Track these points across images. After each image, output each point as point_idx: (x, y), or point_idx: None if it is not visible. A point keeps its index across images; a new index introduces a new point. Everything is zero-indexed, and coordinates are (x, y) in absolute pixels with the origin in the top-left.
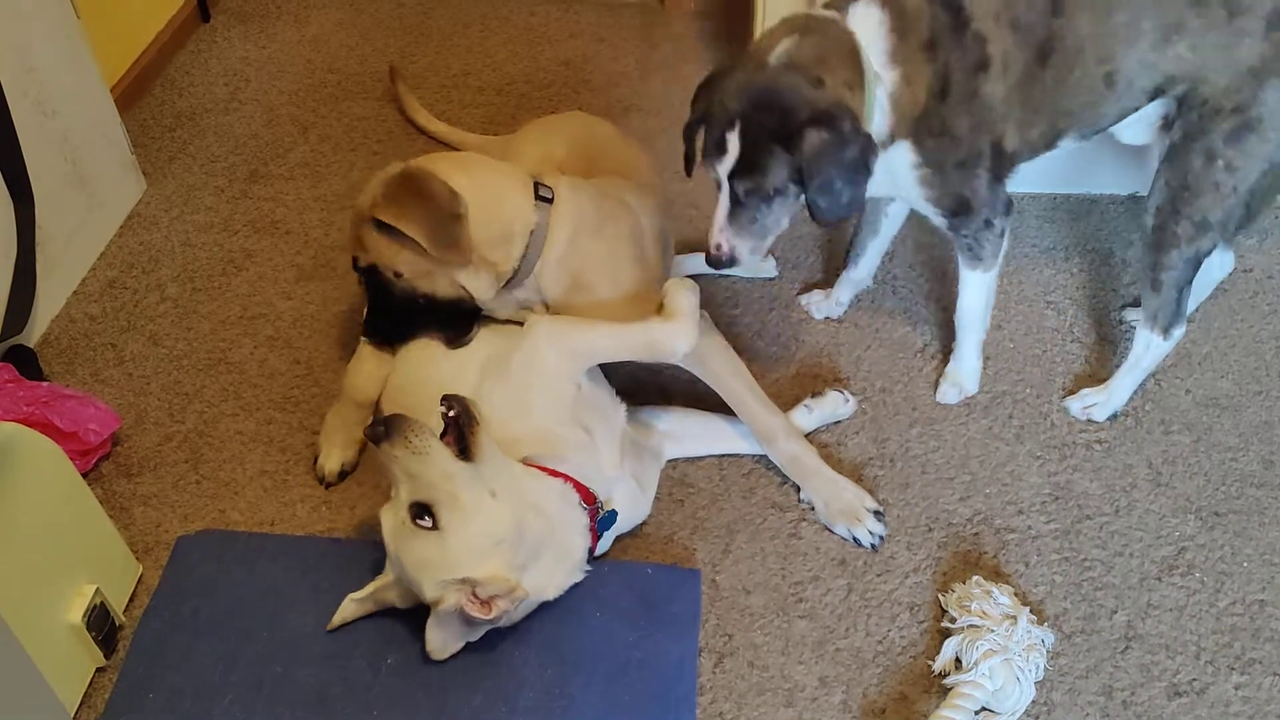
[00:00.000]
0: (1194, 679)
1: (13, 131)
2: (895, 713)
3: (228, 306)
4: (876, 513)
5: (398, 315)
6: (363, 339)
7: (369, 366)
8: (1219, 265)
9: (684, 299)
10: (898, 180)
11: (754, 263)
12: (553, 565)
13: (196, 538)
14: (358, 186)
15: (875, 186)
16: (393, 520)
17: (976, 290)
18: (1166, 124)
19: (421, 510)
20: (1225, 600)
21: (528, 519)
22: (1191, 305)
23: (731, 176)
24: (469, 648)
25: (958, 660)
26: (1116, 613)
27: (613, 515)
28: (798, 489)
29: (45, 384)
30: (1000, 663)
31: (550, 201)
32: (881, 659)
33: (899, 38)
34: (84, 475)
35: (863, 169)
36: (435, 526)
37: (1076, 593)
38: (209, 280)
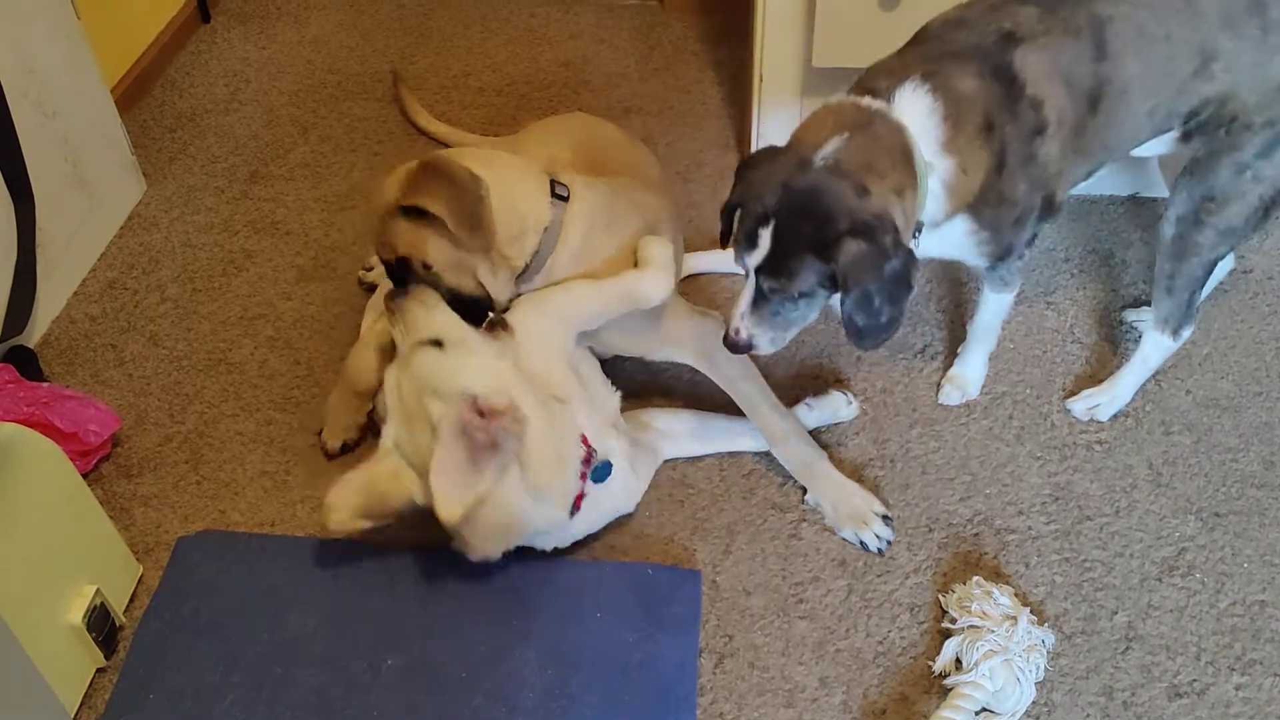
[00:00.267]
0: (1194, 680)
1: (13, 132)
2: (896, 713)
3: (228, 307)
4: (884, 517)
5: None
6: (364, 329)
7: (369, 357)
8: (1221, 264)
9: (656, 250)
10: (951, 246)
11: (771, 350)
12: (545, 465)
13: (197, 538)
14: (358, 187)
15: (925, 251)
16: (395, 377)
17: (998, 308)
18: (1185, 136)
19: (434, 342)
20: (1226, 601)
21: (530, 392)
22: None
23: (759, 270)
24: (469, 648)
25: (958, 661)
26: (1117, 613)
27: (607, 466)
28: (802, 490)
29: (45, 385)
30: (1001, 663)
31: (565, 199)
32: (882, 660)
33: (953, 126)
34: (84, 476)
35: (904, 285)
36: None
37: (1077, 593)
38: (209, 281)
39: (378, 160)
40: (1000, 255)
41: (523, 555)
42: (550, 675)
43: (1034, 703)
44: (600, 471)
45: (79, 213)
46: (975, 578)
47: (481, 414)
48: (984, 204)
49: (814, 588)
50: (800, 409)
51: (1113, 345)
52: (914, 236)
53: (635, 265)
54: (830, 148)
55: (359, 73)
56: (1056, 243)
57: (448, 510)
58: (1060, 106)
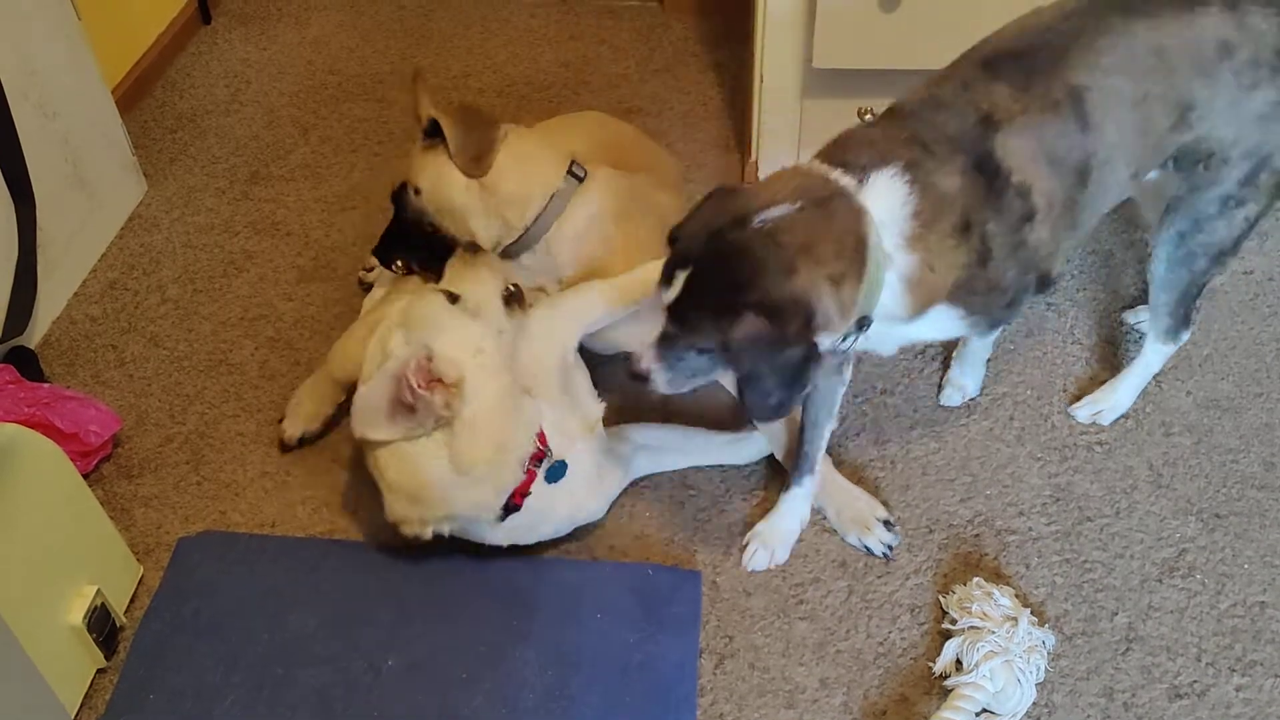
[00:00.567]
0: (1195, 681)
1: (14, 133)
2: (896, 714)
3: (228, 308)
4: (887, 522)
5: (405, 239)
6: (356, 323)
7: (356, 348)
8: None
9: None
10: (940, 331)
11: (669, 391)
12: (476, 446)
13: (197, 539)
14: (359, 188)
15: (911, 337)
16: (403, 300)
17: (986, 343)
18: (1161, 169)
19: (451, 296)
20: (1226, 602)
21: (498, 375)
22: None
23: (667, 310)
24: (470, 648)
25: (958, 662)
26: (1117, 614)
27: (562, 466)
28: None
29: (46, 385)
30: (1001, 664)
31: (581, 180)
32: (882, 660)
33: (923, 224)
34: (85, 476)
35: (798, 379)
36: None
37: (1077, 594)
38: (210, 282)
39: (378, 161)
40: (993, 327)
41: (521, 554)
42: (550, 676)
43: (1034, 704)
44: (554, 472)
45: (80, 213)
46: (976, 579)
47: (427, 376)
48: (969, 294)
49: (814, 589)
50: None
51: (1113, 346)
52: (857, 330)
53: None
54: (775, 212)
55: (359, 74)
56: None
57: (355, 428)
58: (1049, 189)
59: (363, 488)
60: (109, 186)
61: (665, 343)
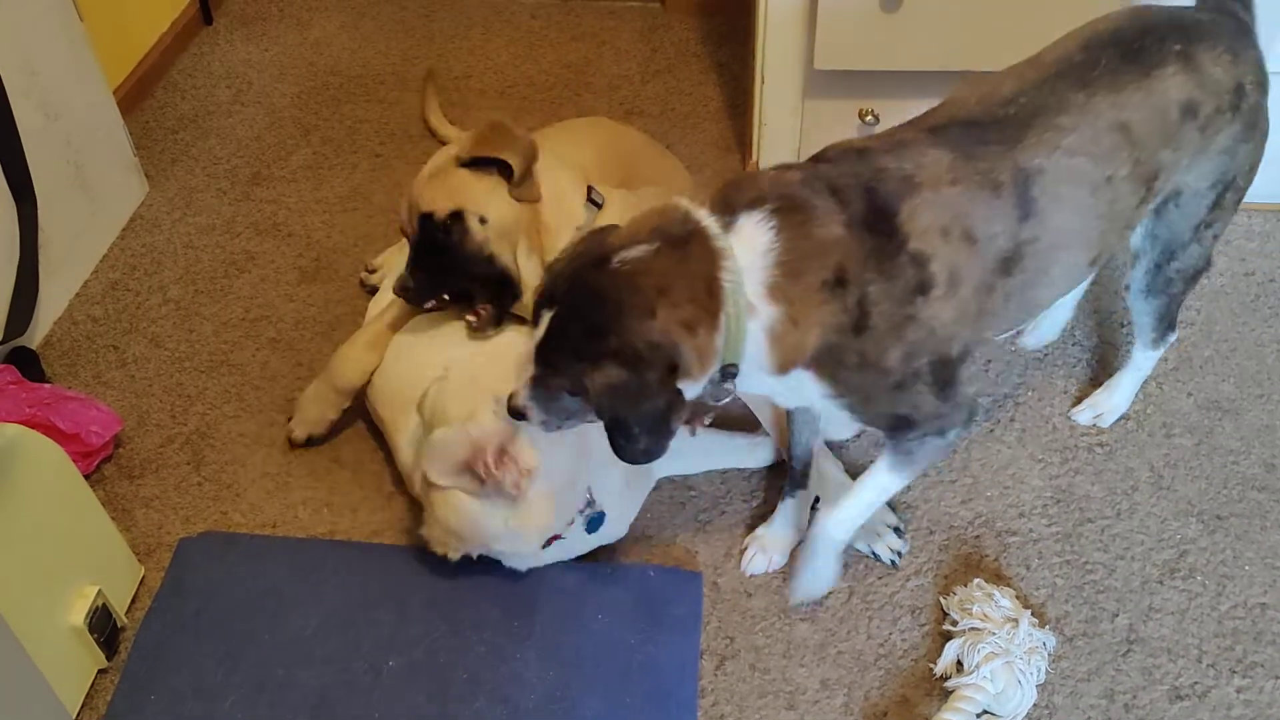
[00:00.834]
0: (1196, 682)
1: (15, 133)
2: (897, 715)
3: (230, 308)
4: (897, 529)
5: (447, 273)
6: (364, 326)
7: (359, 356)
8: None
9: None
10: (810, 402)
11: (545, 431)
12: (535, 515)
13: (198, 540)
14: (360, 189)
15: (786, 399)
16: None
17: (882, 491)
18: None
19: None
20: (1227, 604)
21: (564, 445)
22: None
23: (535, 350)
24: (470, 649)
25: (959, 663)
26: (1118, 616)
27: (601, 517)
28: (815, 500)
29: (48, 386)
30: (1002, 666)
31: (599, 208)
32: (883, 662)
33: (787, 273)
34: (86, 477)
35: (662, 427)
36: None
37: (1078, 596)
38: (211, 282)
39: (379, 162)
40: (890, 425)
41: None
42: (551, 677)
43: (1035, 705)
44: (594, 523)
45: (81, 214)
46: (976, 580)
47: (503, 455)
48: (837, 365)
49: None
50: None
51: (1114, 347)
52: (723, 379)
53: None
54: (632, 253)
55: (361, 75)
56: None
57: (424, 466)
58: (953, 265)
59: (363, 489)
60: (110, 187)
61: (536, 383)
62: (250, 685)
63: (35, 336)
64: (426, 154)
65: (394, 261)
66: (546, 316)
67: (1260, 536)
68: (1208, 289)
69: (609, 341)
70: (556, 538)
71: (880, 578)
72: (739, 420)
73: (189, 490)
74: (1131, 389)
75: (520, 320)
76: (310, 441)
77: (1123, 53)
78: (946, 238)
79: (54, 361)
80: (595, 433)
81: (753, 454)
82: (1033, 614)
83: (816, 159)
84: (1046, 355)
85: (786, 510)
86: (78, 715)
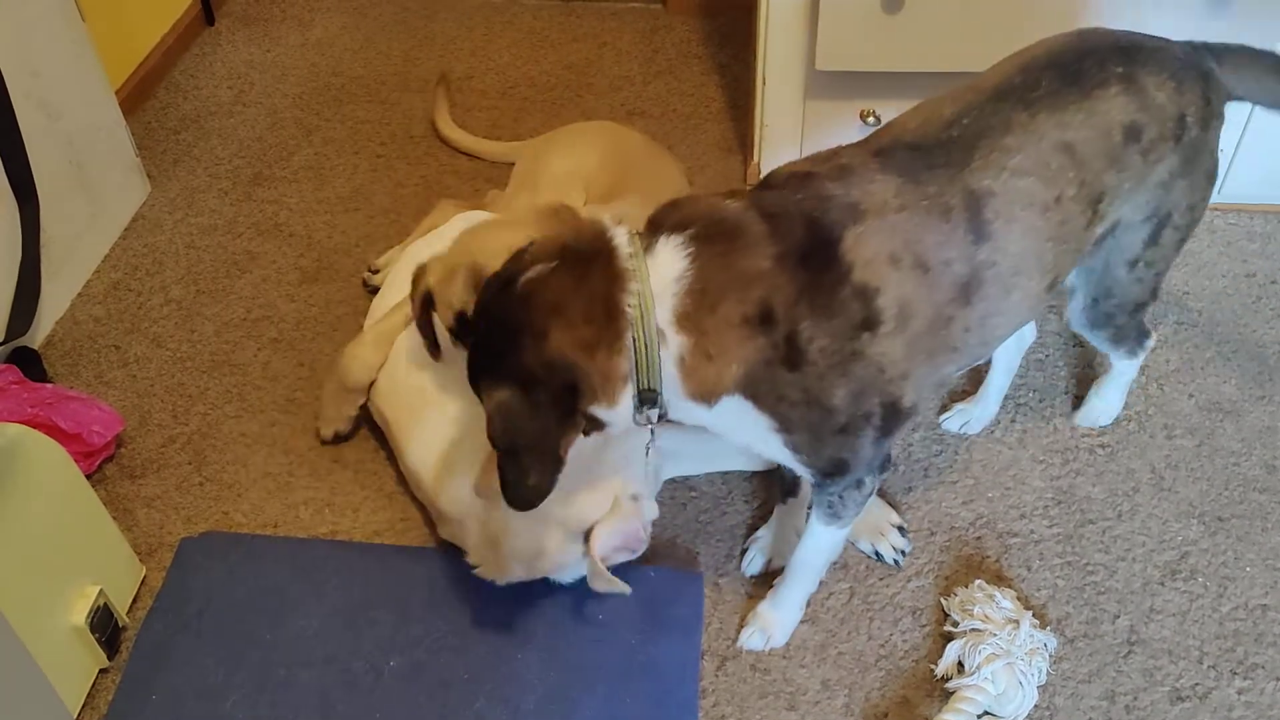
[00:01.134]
0: (1196, 684)
1: (18, 134)
2: (897, 716)
3: (231, 309)
4: (900, 528)
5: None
6: (367, 328)
7: (365, 355)
8: None
9: None
10: (748, 437)
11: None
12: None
13: (200, 540)
14: (361, 189)
15: (728, 433)
16: None
17: (826, 545)
18: None
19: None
20: (1228, 605)
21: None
22: None
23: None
24: (471, 650)
25: (960, 664)
26: (1119, 617)
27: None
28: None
29: (49, 385)
30: (1003, 667)
31: None
32: (884, 663)
33: (698, 303)
34: (88, 477)
35: (547, 448)
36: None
37: (1079, 597)
38: (213, 282)
39: (381, 162)
40: (826, 470)
41: None
42: (552, 678)
43: (1036, 706)
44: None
45: (83, 214)
46: (977, 581)
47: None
48: (778, 399)
49: (816, 590)
50: None
51: None
52: (644, 408)
53: None
54: (533, 273)
55: (363, 75)
56: None
57: (591, 548)
58: (904, 298)
59: (365, 489)
60: (112, 187)
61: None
62: (251, 685)
63: (37, 336)
64: (428, 154)
65: (396, 261)
66: (469, 343)
67: (1261, 538)
68: (1209, 290)
69: (504, 362)
70: None
71: (881, 579)
72: None
73: (190, 490)
74: (1119, 392)
75: None
76: (339, 437)
77: (1061, 74)
78: (896, 266)
79: (56, 361)
80: (634, 439)
81: (754, 456)
82: (1034, 615)
83: (762, 185)
84: (1048, 356)
85: (784, 514)
86: (79, 715)
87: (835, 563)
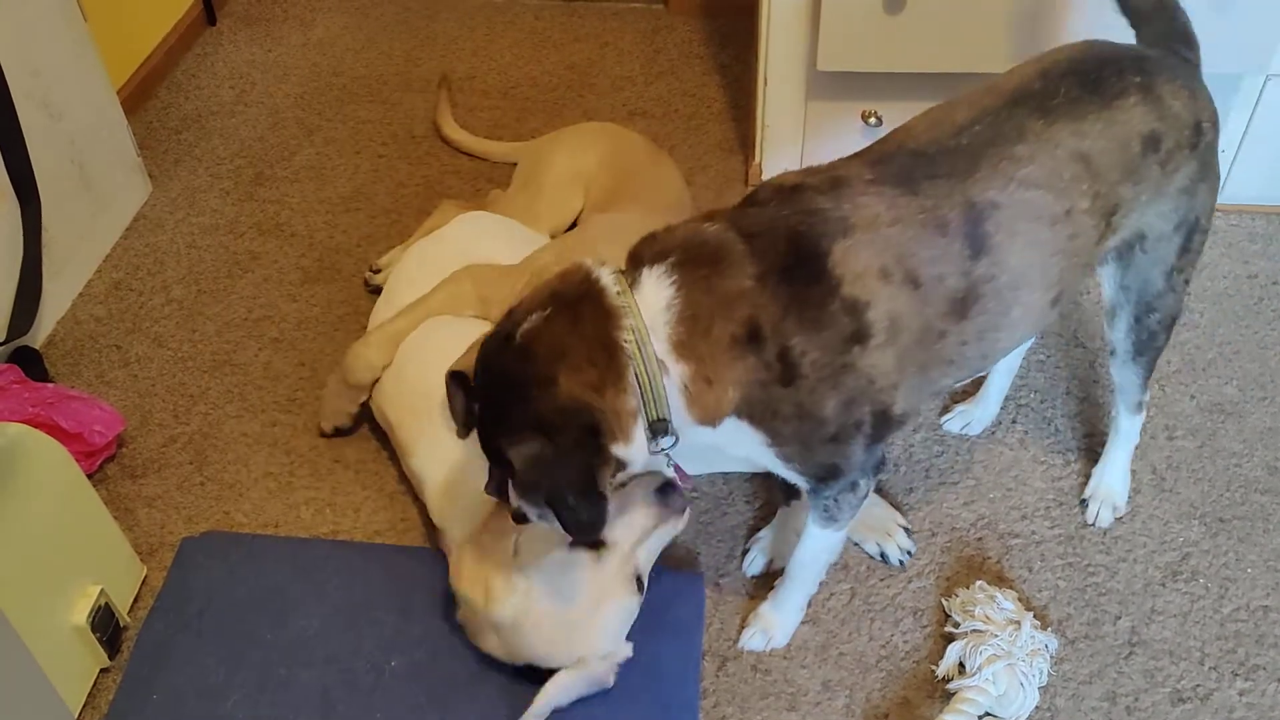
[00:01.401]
0: (1198, 685)
1: (19, 133)
2: (898, 717)
3: (233, 309)
4: (905, 528)
5: None
6: (370, 329)
7: (370, 355)
8: None
9: None
10: (747, 452)
11: (545, 526)
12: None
13: (201, 539)
14: (363, 189)
15: (731, 448)
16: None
17: (824, 546)
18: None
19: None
20: (1229, 606)
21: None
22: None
23: (483, 450)
24: (472, 649)
25: (961, 665)
26: (1120, 618)
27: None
28: None
29: (51, 385)
30: (1004, 668)
31: None
32: (885, 664)
33: (690, 329)
34: (89, 476)
35: (588, 486)
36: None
37: (1080, 598)
38: (214, 282)
39: (382, 162)
40: (819, 475)
41: None
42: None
43: (1037, 708)
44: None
45: (85, 214)
46: (978, 582)
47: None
48: (773, 415)
49: (817, 591)
50: None
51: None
52: (657, 439)
53: None
54: (529, 324)
55: (364, 75)
56: None
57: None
58: (894, 311)
59: (366, 489)
60: (114, 187)
61: (501, 480)
62: (252, 685)
63: (38, 336)
64: (430, 155)
65: (398, 262)
66: (476, 410)
67: (1263, 539)
68: (1210, 291)
69: (520, 416)
70: None
71: (882, 579)
72: None
73: (191, 490)
74: (1127, 462)
75: None
76: (339, 432)
77: (1082, 82)
78: (886, 281)
79: (57, 361)
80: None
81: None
82: (1035, 616)
83: (748, 201)
84: (1049, 357)
85: (786, 516)
86: (80, 714)
87: (836, 564)
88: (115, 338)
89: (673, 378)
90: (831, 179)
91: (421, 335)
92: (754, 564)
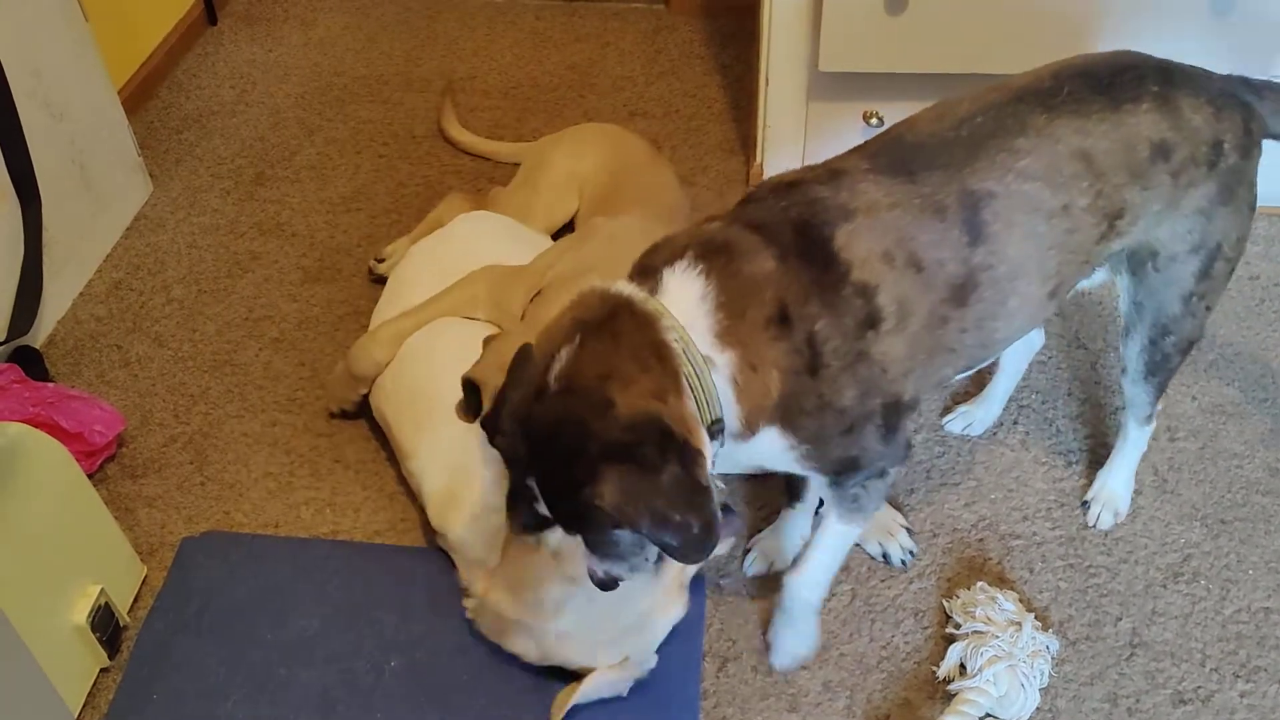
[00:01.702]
0: (1199, 687)
1: (20, 133)
2: (899, 718)
3: (233, 308)
4: (907, 529)
5: None
6: (375, 323)
7: (377, 349)
8: None
9: None
10: (770, 461)
11: (638, 582)
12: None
13: (201, 539)
14: (364, 189)
15: (741, 464)
16: None
17: (841, 544)
18: (1117, 274)
19: None
20: (1231, 608)
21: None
22: None
23: (556, 522)
24: (472, 650)
25: (962, 666)
26: (1121, 620)
27: None
28: (820, 502)
29: (51, 385)
30: (1005, 669)
31: None
32: (886, 665)
33: (730, 315)
34: (89, 476)
35: (694, 490)
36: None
37: (1081, 599)
38: (215, 282)
39: (383, 162)
40: (836, 470)
41: None
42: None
43: (1038, 709)
44: None
45: (85, 214)
46: (980, 583)
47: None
48: (798, 412)
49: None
50: None
51: (1116, 351)
52: (716, 438)
53: None
54: (561, 362)
55: (365, 75)
56: None
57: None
58: (901, 295)
59: (366, 489)
60: (115, 187)
61: (588, 547)
62: (252, 685)
63: (39, 335)
64: (431, 154)
65: (402, 259)
66: (533, 484)
67: (1264, 541)
68: None
69: (587, 457)
70: None
71: (883, 580)
72: None
73: (192, 490)
74: (1132, 468)
75: None
76: (345, 414)
77: (1091, 83)
78: (890, 264)
79: (57, 360)
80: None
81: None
82: (1036, 617)
83: (745, 199)
84: (1050, 358)
85: (789, 518)
86: (80, 714)
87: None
88: (115, 337)
89: (720, 370)
90: (829, 171)
91: (424, 337)
92: (754, 565)
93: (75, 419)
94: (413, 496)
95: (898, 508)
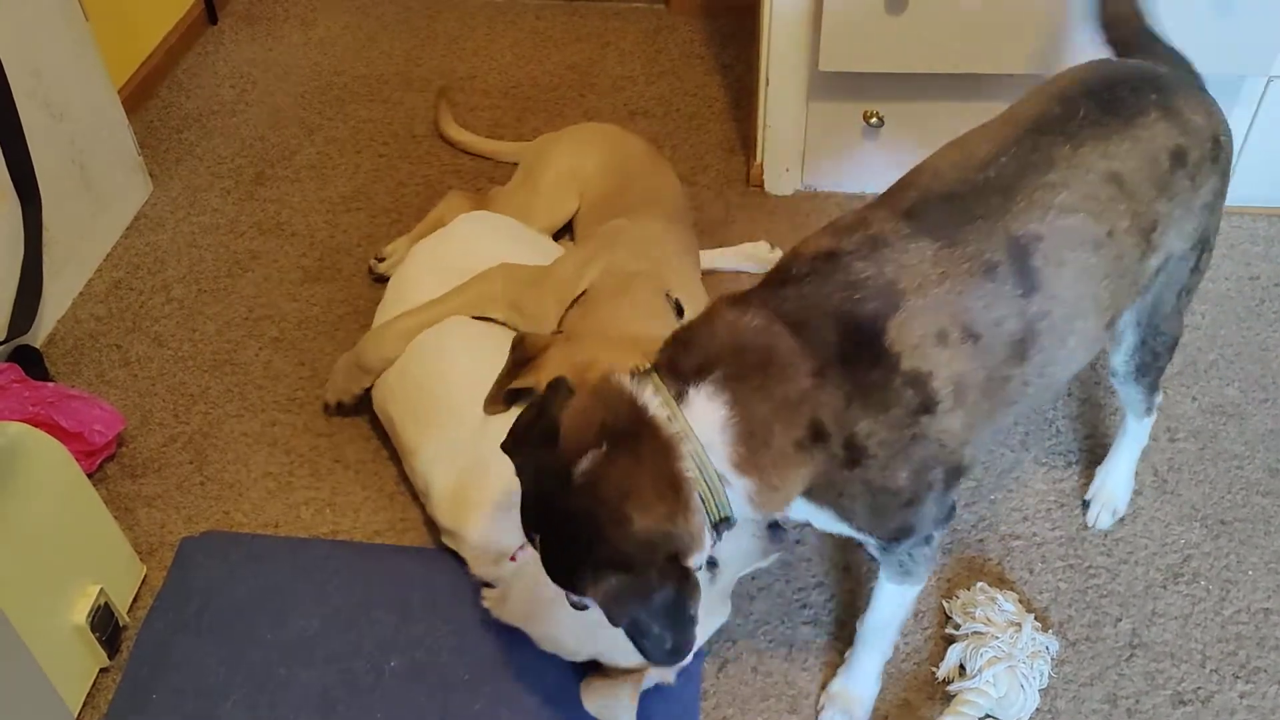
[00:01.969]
0: (1199, 687)
1: (20, 133)
2: (898, 719)
3: (233, 308)
4: None
5: None
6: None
7: (388, 344)
8: None
9: None
10: (822, 524)
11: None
12: None
13: (200, 539)
14: (364, 189)
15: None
16: None
17: (899, 604)
18: None
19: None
20: (1230, 608)
21: None
22: None
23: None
24: (472, 650)
25: (962, 667)
26: (1121, 620)
27: None
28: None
29: (51, 384)
30: (1004, 670)
31: (681, 313)
32: (885, 665)
33: (751, 447)
34: (89, 476)
35: (679, 613)
36: None
37: (1081, 600)
38: (215, 282)
39: (383, 162)
40: (891, 537)
41: None
42: (552, 679)
43: (1038, 709)
44: None
45: (85, 213)
46: (979, 584)
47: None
48: (838, 495)
49: (818, 592)
50: None
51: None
52: (720, 529)
53: None
54: (587, 462)
55: (365, 74)
56: None
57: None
58: (958, 373)
59: (366, 489)
60: (115, 186)
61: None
62: (252, 685)
63: (39, 335)
64: (431, 154)
65: (402, 254)
66: (538, 541)
67: (1264, 541)
68: (1212, 293)
69: (596, 556)
70: None
71: None
72: None
73: (191, 489)
74: (1132, 465)
75: None
76: (341, 407)
77: (1100, 104)
78: (944, 344)
79: (57, 360)
80: None
81: None
82: (1035, 618)
83: (781, 276)
84: None
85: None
86: (79, 714)
87: (838, 564)
88: (115, 337)
89: (736, 490)
90: (868, 239)
91: (431, 335)
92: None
93: (75, 419)
94: (413, 496)
95: None
